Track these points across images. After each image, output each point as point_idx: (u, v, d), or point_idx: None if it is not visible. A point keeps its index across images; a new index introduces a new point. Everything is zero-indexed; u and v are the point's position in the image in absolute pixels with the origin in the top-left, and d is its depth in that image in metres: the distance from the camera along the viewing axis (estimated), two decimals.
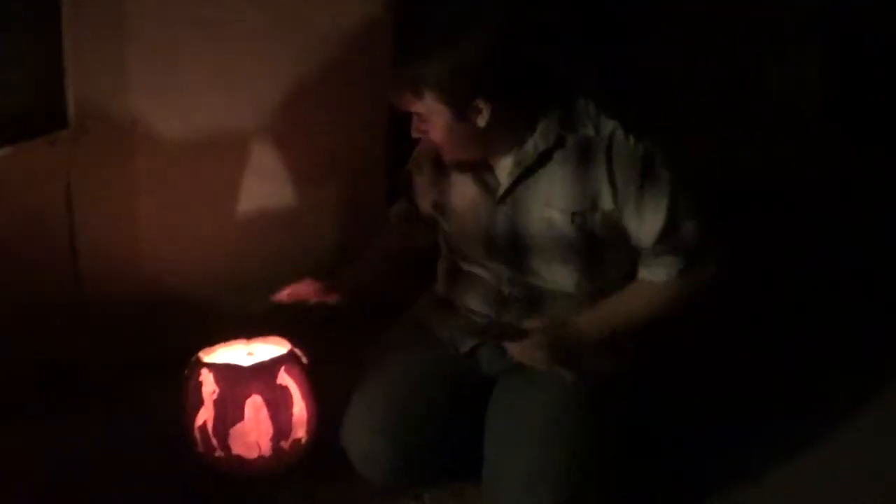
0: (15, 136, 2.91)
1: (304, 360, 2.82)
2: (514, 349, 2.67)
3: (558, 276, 2.70)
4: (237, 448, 2.74)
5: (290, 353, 2.81)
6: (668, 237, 2.61)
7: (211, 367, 2.76)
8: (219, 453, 2.75)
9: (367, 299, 2.89)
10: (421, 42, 2.54)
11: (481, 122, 2.57)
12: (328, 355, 2.87)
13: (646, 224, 2.60)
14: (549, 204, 2.64)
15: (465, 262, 2.83)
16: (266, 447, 2.75)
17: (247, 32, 3.06)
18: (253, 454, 2.75)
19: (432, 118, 2.58)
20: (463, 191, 2.75)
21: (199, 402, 2.75)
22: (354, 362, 2.86)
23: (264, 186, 3.22)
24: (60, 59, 2.90)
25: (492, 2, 2.61)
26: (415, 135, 2.67)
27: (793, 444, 2.97)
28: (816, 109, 4.25)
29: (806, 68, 4.18)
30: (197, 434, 2.76)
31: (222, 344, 2.86)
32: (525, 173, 2.65)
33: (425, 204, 2.87)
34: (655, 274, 2.65)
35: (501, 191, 2.68)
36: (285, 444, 2.77)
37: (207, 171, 3.14)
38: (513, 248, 2.71)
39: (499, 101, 2.56)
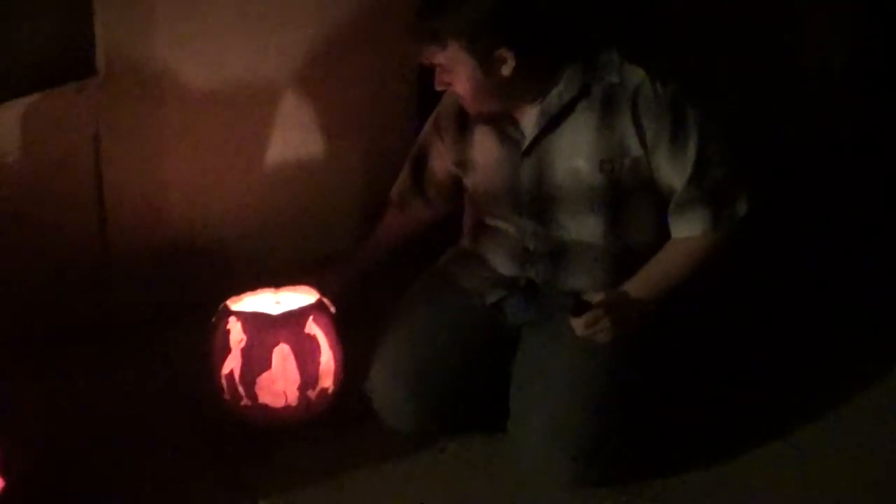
0: (43, 83, 2.90)
1: (332, 309, 2.81)
2: (578, 322, 2.64)
3: (584, 229, 2.69)
4: (264, 397, 2.74)
5: (319, 303, 2.80)
6: (698, 178, 2.60)
7: (239, 315, 2.76)
8: (245, 402, 2.75)
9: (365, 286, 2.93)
10: None
11: (506, 71, 2.56)
12: (355, 305, 2.87)
13: (677, 166, 2.60)
14: (576, 153, 2.64)
15: (489, 218, 2.82)
16: (293, 396, 2.75)
17: None
18: (279, 403, 2.75)
19: (456, 69, 2.57)
20: (487, 146, 2.74)
21: (227, 351, 2.74)
22: (382, 313, 2.86)
23: (291, 136, 3.20)
24: (89, 6, 2.88)
25: None
26: (438, 87, 2.65)
27: (818, 399, 2.97)
28: (843, 73, 4.22)
29: (833, 31, 4.15)
30: (223, 382, 2.76)
31: (250, 292, 2.85)
32: (550, 124, 2.64)
33: (444, 165, 2.86)
34: (690, 229, 2.65)
35: (526, 143, 2.67)
36: (312, 394, 2.77)
37: (235, 120, 3.11)
38: (538, 201, 2.70)
39: (523, 50, 2.55)
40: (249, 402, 2.75)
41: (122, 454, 2.76)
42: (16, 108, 2.88)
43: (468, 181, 2.82)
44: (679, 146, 2.59)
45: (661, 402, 2.81)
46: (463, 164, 2.80)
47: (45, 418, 2.73)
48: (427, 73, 2.72)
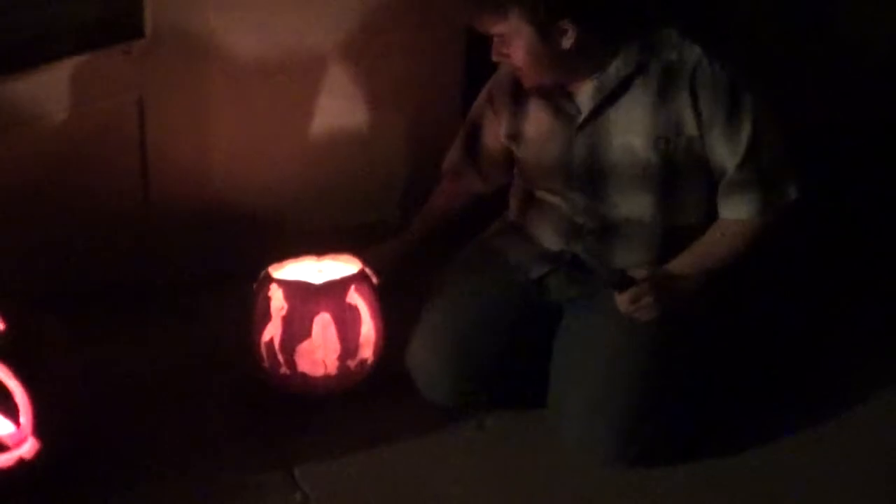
0: (91, 44, 2.90)
1: (375, 279, 2.80)
2: (623, 299, 2.63)
3: (635, 206, 2.67)
4: (303, 365, 2.74)
5: (361, 273, 2.79)
6: (751, 161, 2.58)
7: (280, 282, 2.75)
8: (284, 370, 2.75)
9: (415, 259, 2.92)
10: None
11: (566, 43, 2.54)
12: (398, 276, 2.86)
13: (730, 147, 2.58)
14: (631, 130, 2.61)
15: (539, 191, 2.80)
16: (332, 366, 2.74)
17: None
18: (318, 372, 2.75)
19: (515, 40, 2.54)
20: (540, 119, 2.72)
21: (267, 318, 2.74)
22: (424, 284, 2.85)
23: (338, 105, 3.18)
24: None
25: None
26: (495, 58, 2.62)
27: (864, 394, 2.94)
28: (890, 55, 4.18)
29: (882, 13, 4.10)
30: (263, 350, 2.76)
31: (292, 260, 2.84)
32: (606, 100, 2.62)
33: (496, 138, 2.84)
34: (738, 212, 2.64)
35: (581, 118, 2.65)
36: (351, 364, 2.76)
37: (281, 88, 3.10)
38: (590, 177, 2.68)
39: (584, 23, 2.52)
40: (288, 371, 2.75)
41: (157, 418, 2.77)
42: (63, 69, 2.88)
43: (520, 154, 2.80)
44: (734, 128, 2.57)
45: (704, 383, 2.80)
46: (515, 136, 2.77)
47: (81, 380, 2.70)
48: (475, 45, 2.70)
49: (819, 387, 2.95)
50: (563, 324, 2.77)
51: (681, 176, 2.64)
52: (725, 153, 2.60)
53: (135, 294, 3.07)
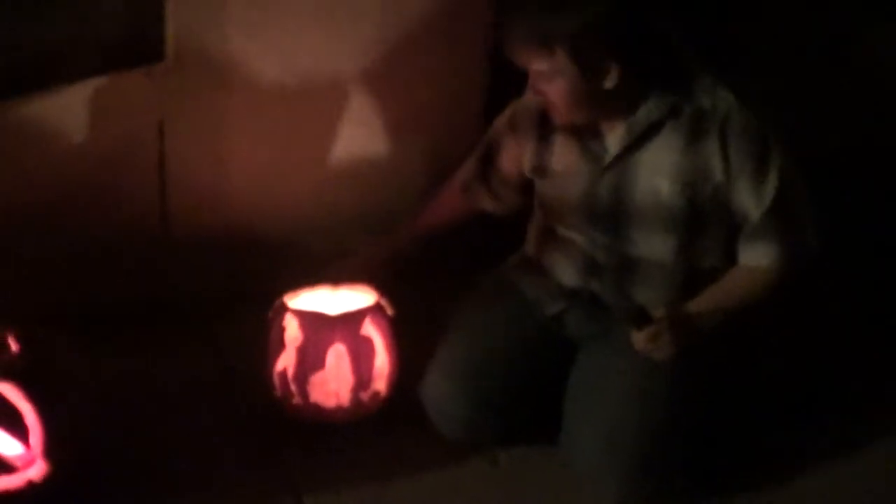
0: (111, 66, 2.89)
1: (390, 311, 2.79)
2: (639, 337, 2.61)
3: (657, 247, 2.66)
4: (316, 396, 2.73)
5: (376, 304, 2.78)
6: (774, 211, 2.57)
7: (296, 312, 2.74)
8: (297, 400, 2.74)
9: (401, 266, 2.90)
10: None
11: (608, 83, 2.51)
12: (413, 309, 2.83)
13: (756, 196, 2.57)
14: (659, 173, 2.59)
15: (559, 226, 2.78)
16: (345, 397, 2.73)
17: None
18: (331, 403, 2.74)
19: (557, 77, 2.51)
20: (565, 155, 2.69)
21: (281, 347, 2.73)
22: (438, 317, 2.84)
23: (357, 131, 3.17)
24: None
25: None
26: (531, 95, 2.61)
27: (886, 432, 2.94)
28: None
29: None
30: (276, 379, 2.75)
31: (307, 288, 2.83)
32: (635, 142, 2.60)
33: (514, 163, 2.81)
34: (758, 259, 2.63)
35: (609, 158, 2.63)
36: (364, 396, 2.75)
37: (302, 113, 3.09)
38: (614, 217, 2.67)
39: (629, 63, 2.50)
40: (301, 401, 2.74)
41: (168, 442, 2.76)
42: (84, 90, 2.87)
43: (541, 186, 2.78)
44: (761, 177, 2.56)
45: (720, 418, 2.79)
46: (538, 169, 2.75)
47: (92, 402, 2.71)
48: (497, 73, 2.69)
49: (839, 423, 2.94)
50: (578, 359, 2.76)
51: (705, 220, 2.63)
52: (750, 201, 2.58)
53: (149, 315, 3.06)
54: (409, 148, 3.26)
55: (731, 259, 2.67)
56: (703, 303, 2.67)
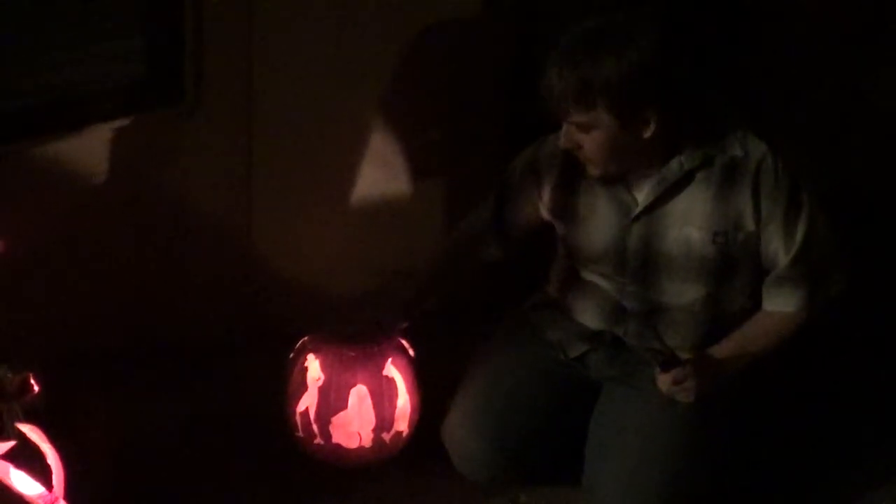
0: (131, 108, 2.92)
1: (411, 352, 2.79)
2: (665, 379, 2.60)
3: (686, 295, 2.65)
4: (337, 437, 2.72)
5: (398, 345, 2.78)
6: (802, 258, 2.57)
7: (318, 353, 2.73)
8: (318, 441, 2.74)
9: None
10: (592, 47, 2.44)
11: (647, 133, 2.50)
12: (434, 349, 2.83)
13: (784, 243, 2.57)
14: (690, 223, 2.59)
15: (585, 271, 2.76)
16: (367, 438, 2.73)
17: (370, 17, 3.05)
18: (353, 444, 2.73)
19: (594, 129, 2.49)
20: (594, 203, 2.67)
21: (303, 388, 2.73)
22: (460, 358, 2.83)
23: (377, 173, 3.20)
24: (181, 33, 2.89)
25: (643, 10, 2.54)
26: (565, 146, 2.56)
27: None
28: None
29: None
30: (298, 419, 2.74)
31: (329, 329, 2.80)
32: (666, 192, 2.59)
33: (533, 209, 2.77)
34: (784, 305, 2.62)
35: (638, 209, 2.62)
36: (386, 437, 2.75)
37: (321, 155, 3.12)
38: (643, 266, 2.65)
39: (667, 113, 2.49)
40: (322, 442, 2.73)
41: (187, 483, 2.76)
42: (104, 132, 2.90)
43: (565, 231, 2.75)
44: (791, 225, 2.56)
45: (742, 462, 2.78)
46: (563, 215, 2.73)
47: (112, 442, 2.69)
48: (517, 114, 2.69)
49: (860, 463, 2.93)
50: (600, 402, 2.74)
51: (735, 268, 2.62)
52: (780, 248, 2.58)
53: (169, 356, 3.06)
54: (429, 189, 3.29)
55: (756, 301, 2.67)
56: (729, 348, 2.66)
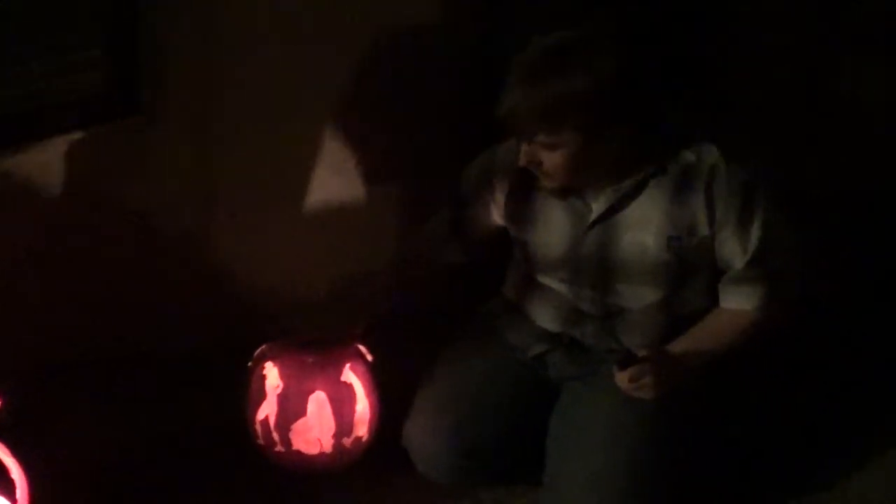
0: (89, 120, 2.90)
1: (369, 357, 2.80)
2: (623, 376, 2.60)
3: (642, 298, 2.66)
4: (298, 444, 2.73)
5: (356, 350, 2.79)
6: (758, 260, 2.58)
7: (276, 361, 2.74)
8: (279, 448, 2.74)
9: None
10: (559, 64, 2.43)
11: (611, 150, 2.51)
12: (393, 353, 2.84)
13: (739, 246, 2.58)
14: (644, 229, 2.60)
15: (541, 276, 2.77)
16: (327, 444, 2.74)
17: (328, 24, 3.04)
18: (314, 450, 2.74)
19: (560, 147, 2.48)
20: (548, 211, 2.68)
21: (262, 396, 2.74)
22: (419, 361, 2.84)
23: (337, 181, 3.20)
24: (135, 45, 2.89)
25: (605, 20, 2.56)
26: (526, 164, 2.55)
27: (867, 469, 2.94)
28: (886, 120, 4.17)
29: (877, 79, 4.10)
30: (258, 427, 2.75)
31: (287, 337, 2.82)
32: (621, 200, 2.60)
33: (488, 216, 2.78)
34: (740, 303, 2.63)
35: (593, 216, 2.63)
36: (347, 442, 2.75)
37: (281, 164, 3.12)
38: (599, 271, 2.66)
39: (633, 127, 2.50)
40: (283, 449, 2.74)
41: (151, 493, 2.77)
42: (61, 145, 2.88)
43: (520, 237, 2.76)
44: (745, 229, 2.57)
45: (705, 458, 2.78)
46: (518, 221, 2.74)
47: (76, 452, 2.75)
48: (473, 122, 2.69)
49: (825, 461, 2.95)
50: (560, 400, 2.75)
51: (691, 271, 2.63)
52: (735, 251, 2.59)
53: (132, 367, 3.05)
54: (388, 194, 3.29)
55: (715, 300, 2.68)
56: (686, 344, 2.67)
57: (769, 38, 3.74)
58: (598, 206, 2.62)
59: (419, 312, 3.02)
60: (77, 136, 2.89)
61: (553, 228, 2.68)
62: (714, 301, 2.68)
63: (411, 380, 2.80)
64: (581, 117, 2.43)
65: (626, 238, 2.61)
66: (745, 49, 3.72)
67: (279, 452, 2.75)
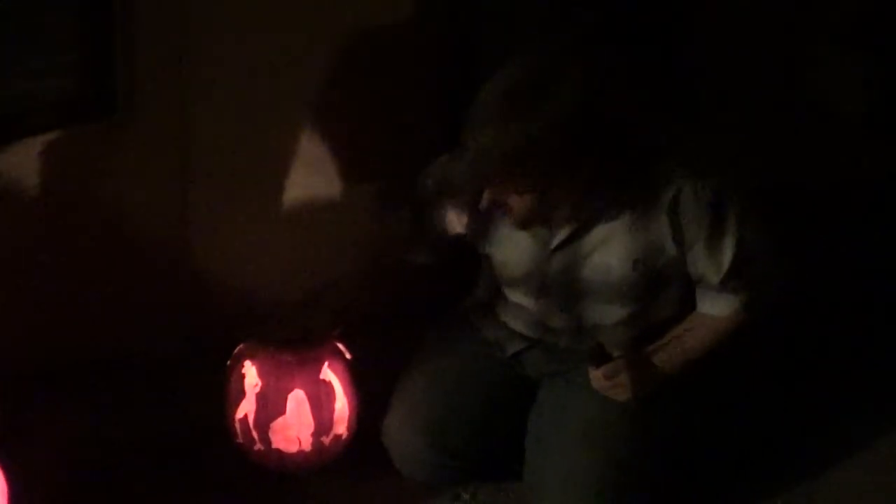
0: (63, 121, 2.90)
1: (348, 355, 2.80)
2: (597, 374, 2.60)
3: (611, 315, 2.64)
4: (277, 442, 2.73)
5: (334, 348, 2.79)
6: (733, 275, 2.55)
7: (254, 359, 2.74)
8: (258, 446, 2.74)
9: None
10: (525, 102, 2.35)
11: (577, 185, 2.46)
12: (371, 351, 2.84)
13: (712, 264, 2.55)
14: (608, 251, 2.57)
15: (509, 291, 2.75)
16: (307, 442, 2.73)
17: (302, 23, 3.04)
18: (293, 449, 2.74)
19: (526, 192, 2.43)
20: (510, 232, 2.63)
21: (241, 395, 2.73)
22: (397, 359, 2.84)
23: (313, 181, 3.20)
24: (112, 45, 2.88)
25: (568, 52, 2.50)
26: (489, 207, 2.51)
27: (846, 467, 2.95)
28: (860, 115, 4.21)
29: (848, 73, 4.13)
30: (237, 426, 2.75)
31: (265, 336, 2.81)
32: (584, 224, 2.57)
33: (449, 225, 2.73)
34: (719, 309, 2.60)
35: (556, 241, 2.60)
36: (326, 440, 2.75)
37: (256, 164, 3.11)
38: (565, 291, 2.64)
39: (601, 162, 2.45)
40: (262, 447, 2.74)
41: (133, 495, 2.76)
42: (35, 146, 2.88)
43: (486, 252, 2.73)
44: (716, 246, 2.53)
45: (684, 455, 2.79)
46: (479, 237, 2.69)
47: (58, 453, 2.74)
48: (450, 121, 2.68)
49: (810, 460, 2.95)
50: (539, 396, 2.75)
51: (660, 287, 2.62)
52: (709, 268, 2.56)
53: (107, 369, 3.04)
54: (365, 194, 3.28)
55: (688, 307, 2.65)
56: (663, 346, 2.65)
57: (745, 35, 3.77)
58: (561, 232, 2.58)
59: (398, 311, 3.02)
60: (52, 137, 2.89)
61: (516, 249, 2.65)
62: (687, 307, 2.66)
63: (390, 377, 2.80)
64: (548, 161, 2.38)
65: (590, 260, 2.58)
66: (722, 47, 3.74)
67: (259, 451, 2.74)
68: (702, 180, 2.50)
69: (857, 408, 3.13)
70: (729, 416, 3.03)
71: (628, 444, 2.61)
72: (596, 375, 2.60)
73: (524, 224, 2.55)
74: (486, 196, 2.47)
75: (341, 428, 2.77)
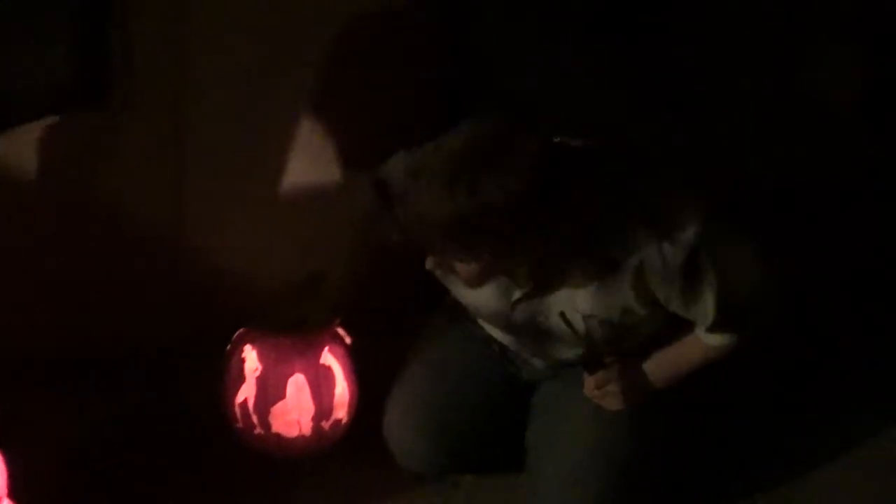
0: (58, 108, 2.89)
1: (348, 340, 2.81)
2: (589, 381, 2.58)
3: (582, 353, 2.59)
4: (277, 426, 2.74)
5: (334, 333, 2.80)
6: (721, 318, 2.43)
7: (254, 344, 2.75)
8: (258, 431, 2.75)
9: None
10: (473, 171, 2.15)
11: (534, 255, 2.32)
12: (371, 336, 2.84)
13: (696, 314, 2.44)
14: (572, 307, 2.45)
15: (482, 321, 2.70)
16: (306, 427, 2.74)
17: (300, 10, 3.03)
18: (293, 433, 2.75)
19: (473, 261, 2.29)
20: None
21: (241, 379, 2.74)
22: (397, 345, 2.84)
23: (309, 169, 3.18)
24: (108, 32, 2.88)
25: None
26: (438, 270, 2.40)
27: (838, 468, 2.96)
28: (855, 109, 4.21)
29: (845, 67, 4.14)
30: (237, 410, 2.76)
31: (265, 321, 2.81)
32: (544, 283, 2.45)
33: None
34: (712, 340, 2.51)
35: (518, 295, 2.48)
36: (326, 425, 2.76)
37: (253, 153, 3.11)
38: (532, 333, 2.57)
39: (559, 227, 2.26)
40: (262, 431, 2.75)
41: (131, 481, 2.77)
42: (30, 134, 2.87)
43: (450, 287, 2.61)
44: (693, 299, 2.39)
45: (684, 455, 2.80)
46: (443, 273, 2.46)
47: (57, 442, 2.75)
48: (446, 109, 2.68)
49: (810, 461, 2.96)
50: (539, 392, 2.74)
51: (633, 330, 2.51)
52: (694, 318, 2.46)
53: (105, 357, 3.05)
54: (363, 182, 3.27)
55: (666, 326, 2.55)
56: (656, 365, 2.60)
57: (738, 29, 3.77)
58: (522, 287, 2.46)
59: (396, 298, 3.02)
60: (46, 124, 2.88)
61: (480, 295, 2.51)
62: (666, 327, 2.55)
63: (390, 362, 2.80)
64: (495, 234, 2.20)
65: (554, 312, 2.48)
66: (715, 43, 3.74)
67: (258, 435, 2.75)
68: (669, 240, 2.31)
69: (858, 408, 3.13)
70: (728, 416, 3.04)
71: (628, 444, 2.61)
72: (588, 382, 2.59)
73: (473, 286, 2.42)
74: (428, 259, 2.37)
75: (341, 412, 2.78)
